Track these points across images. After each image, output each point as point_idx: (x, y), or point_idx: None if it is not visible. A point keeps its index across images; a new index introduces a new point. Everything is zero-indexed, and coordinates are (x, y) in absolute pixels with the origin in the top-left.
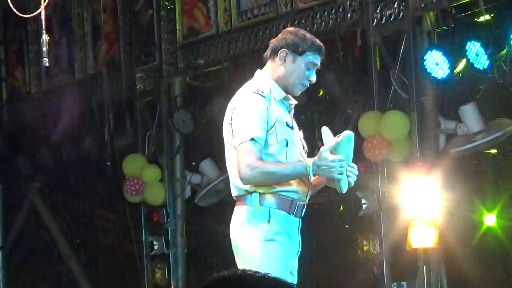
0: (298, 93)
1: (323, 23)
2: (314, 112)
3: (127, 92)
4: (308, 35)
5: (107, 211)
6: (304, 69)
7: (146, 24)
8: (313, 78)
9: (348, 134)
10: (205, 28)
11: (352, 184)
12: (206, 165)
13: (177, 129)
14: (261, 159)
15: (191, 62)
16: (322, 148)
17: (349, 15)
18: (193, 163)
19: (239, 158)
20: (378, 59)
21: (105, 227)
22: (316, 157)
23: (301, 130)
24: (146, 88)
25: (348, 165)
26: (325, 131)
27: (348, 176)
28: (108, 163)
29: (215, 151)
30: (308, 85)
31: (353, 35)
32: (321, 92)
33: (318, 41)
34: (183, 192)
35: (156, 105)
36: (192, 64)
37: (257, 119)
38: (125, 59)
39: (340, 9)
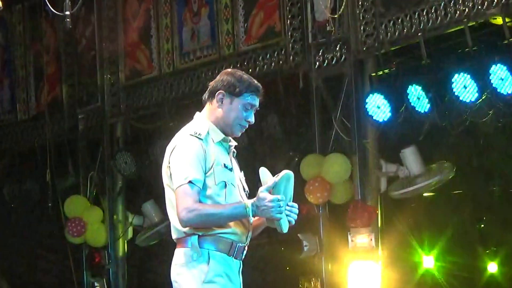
0: (238, 134)
1: (265, 66)
2: (255, 153)
3: (69, 133)
4: (245, 76)
5: (48, 252)
6: (241, 110)
7: (88, 66)
8: (251, 119)
9: (286, 173)
10: (147, 69)
11: (293, 223)
12: (148, 207)
13: (119, 171)
14: (199, 201)
15: (134, 103)
16: (260, 189)
17: (291, 57)
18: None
19: (177, 201)
20: (320, 101)
21: (46, 267)
22: (255, 198)
23: (242, 172)
24: (89, 129)
25: (288, 205)
26: (263, 171)
27: (287, 215)
28: (50, 204)
29: (157, 192)
30: (247, 126)
31: (295, 78)
32: (264, 134)
33: (255, 82)
34: (125, 234)
35: (98, 146)
36: (135, 106)
37: (194, 161)
38: (67, 100)
39: (283, 52)
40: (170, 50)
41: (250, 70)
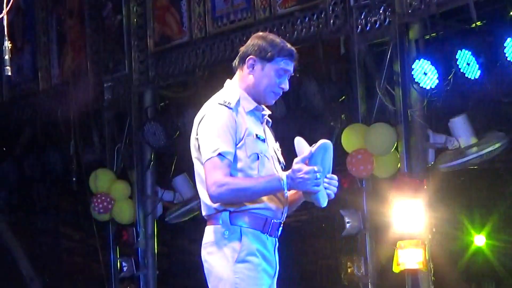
0: (271, 101)
1: (304, 30)
2: (294, 124)
3: (94, 103)
4: (278, 40)
5: (73, 230)
6: (274, 76)
7: (115, 31)
8: (286, 86)
9: (324, 143)
10: (177, 35)
11: (332, 197)
12: (180, 182)
13: (147, 143)
14: (230, 175)
15: (163, 71)
16: (295, 160)
17: (331, 21)
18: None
19: (207, 175)
20: (362, 68)
21: (70, 247)
22: (290, 170)
23: (277, 143)
24: (115, 99)
25: (326, 177)
26: (299, 141)
27: (326, 188)
28: (74, 179)
29: (189, 166)
30: (281, 93)
31: (336, 43)
32: (302, 103)
33: (288, 45)
34: (154, 210)
35: (126, 117)
36: (164, 73)
37: (223, 132)
38: (92, 67)
39: (322, 15)
40: (202, 13)
41: (288, 35)
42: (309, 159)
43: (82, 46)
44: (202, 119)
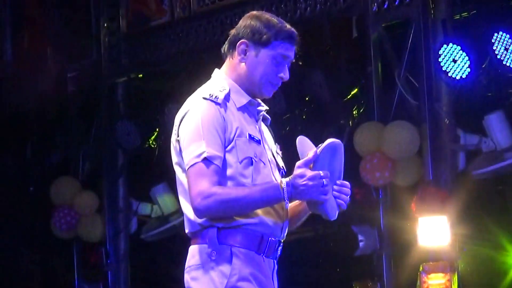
0: (269, 94)
1: (308, 8)
2: (296, 122)
3: (56, 96)
4: (275, 19)
5: (30, 250)
6: (271, 63)
7: (80, 9)
8: (285, 74)
9: (331, 142)
10: (156, 14)
11: (343, 208)
12: (159, 192)
13: (120, 145)
14: (218, 183)
15: (139, 58)
16: (297, 163)
17: None
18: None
19: (190, 184)
20: (379, 55)
21: (28, 270)
22: (291, 176)
23: (277, 145)
24: (81, 91)
25: (336, 183)
26: (302, 141)
27: (335, 197)
28: (32, 188)
29: (171, 173)
30: (280, 84)
31: (347, 24)
32: (307, 97)
33: (288, 26)
34: (128, 226)
35: (94, 113)
36: (140, 61)
37: (209, 132)
38: (53, 53)
39: None
40: None
41: (289, 14)
42: (314, 163)
43: (41, 27)
44: (183, 117)
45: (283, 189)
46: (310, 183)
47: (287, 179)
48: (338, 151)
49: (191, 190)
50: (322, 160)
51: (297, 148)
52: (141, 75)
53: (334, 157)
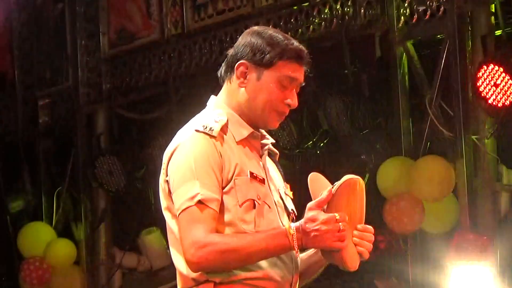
0: (275, 125)
1: (323, 23)
2: (309, 158)
3: (24, 127)
4: (279, 36)
5: None
6: (276, 88)
7: (53, 25)
8: (293, 100)
9: (349, 179)
10: (143, 30)
11: (366, 256)
12: (148, 240)
13: (100, 185)
14: (214, 231)
15: (122, 82)
16: (308, 205)
17: (362, 11)
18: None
19: (182, 232)
20: (406, 77)
21: None
22: (301, 220)
23: (287, 185)
24: (55, 122)
25: (357, 228)
26: (314, 178)
27: (356, 244)
28: None
29: (162, 217)
30: (287, 112)
31: (369, 42)
32: (322, 128)
33: (295, 42)
34: (110, 281)
35: (69, 148)
36: (124, 86)
37: (203, 171)
38: (21, 78)
39: (349, 2)
40: (178, 1)
41: (300, 31)
42: (329, 204)
43: (7, 46)
44: (172, 153)
45: (291, 235)
46: (324, 228)
47: (297, 224)
48: (358, 189)
49: (183, 239)
50: (339, 201)
51: (309, 187)
52: (125, 103)
53: (353, 197)
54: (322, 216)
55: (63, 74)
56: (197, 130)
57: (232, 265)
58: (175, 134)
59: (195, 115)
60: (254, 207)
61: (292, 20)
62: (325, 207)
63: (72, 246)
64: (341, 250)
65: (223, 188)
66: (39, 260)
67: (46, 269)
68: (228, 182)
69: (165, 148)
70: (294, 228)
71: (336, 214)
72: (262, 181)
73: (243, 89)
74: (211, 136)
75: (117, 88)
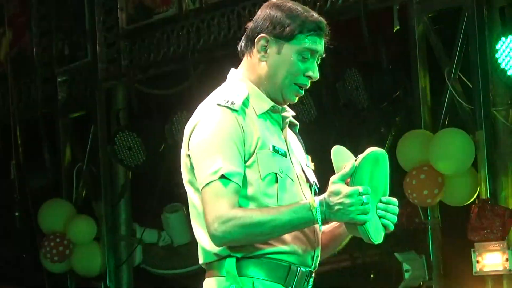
0: (294, 98)
1: None
2: (329, 131)
3: (44, 104)
4: (299, 8)
5: (18, 285)
6: (296, 60)
7: (72, 2)
8: (314, 73)
9: (373, 152)
10: (162, 5)
11: (391, 228)
12: (170, 215)
13: (120, 161)
14: (238, 205)
15: (141, 58)
16: (331, 178)
17: None
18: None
19: (205, 207)
20: (425, 50)
21: None
22: (324, 194)
23: (308, 157)
24: (74, 99)
25: (381, 200)
26: (338, 152)
27: (381, 216)
28: (17, 214)
29: (182, 193)
30: (308, 85)
31: (387, 15)
32: (341, 102)
33: (315, 14)
34: (131, 257)
35: (89, 124)
36: (143, 61)
37: (226, 145)
38: (40, 54)
39: None
40: None
41: (318, 4)
42: (352, 177)
43: (26, 24)
44: (194, 127)
45: (315, 209)
46: (347, 201)
47: (320, 197)
48: (382, 162)
49: (206, 214)
50: (362, 174)
51: (332, 160)
52: (144, 78)
53: (376, 170)
54: (346, 189)
55: (82, 51)
56: (218, 104)
57: (256, 239)
58: (195, 108)
59: (215, 89)
60: (277, 180)
61: None
62: (348, 180)
63: (92, 222)
64: (365, 223)
65: (245, 162)
66: (60, 236)
67: (67, 245)
68: (251, 156)
69: (186, 123)
70: (318, 202)
71: (360, 187)
72: (284, 154)
73: (263, 62)
74: (233, 110)
75: (135, 63)
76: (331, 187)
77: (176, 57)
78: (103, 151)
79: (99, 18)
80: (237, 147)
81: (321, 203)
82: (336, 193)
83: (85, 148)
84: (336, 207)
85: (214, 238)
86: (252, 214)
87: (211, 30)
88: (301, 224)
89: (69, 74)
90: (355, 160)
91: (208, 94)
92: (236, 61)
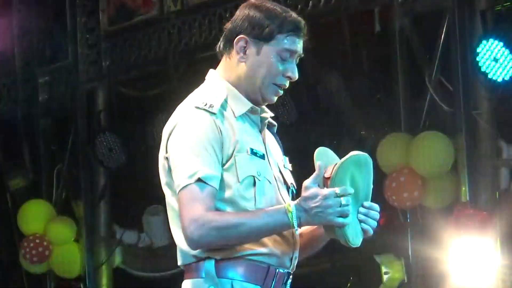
0: (273, 98)
1: (322, 0)
2: (309, 134)
3: (24, 106)
4: (277, 8)
5: None
6: (276, 61)
7: (53, 3)
8: (293, 73)
9: (355, 155)
10: (143, 7)
11: (370, 233)
12: (151, 218)
13: (101, 162)
14: (214, 209)
15: (122, 59)
16: (305, 182)
17: None
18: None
19: (182, 210)
20: (406, 53)
21: None
22: (299, 198)
23: (286, 158)
24: (54, 100)
25: (363, 205)
26: (321, 153)
27: (362, 221)
28: None
29: (162, 194)
30: (287, 85)
31: (368, 17)
32: (321, 104)
33: (293, 14)
34: (111, 258)
35: (69, 125)
36: (124, 63)
37: (203, 148)
38: (21, 55)
39: None
40: None
41: (299, 6)
42: (332, 180)
43: (7, 23)
44: (172, 130)
45: (291, 213)
46: (325, 203)
47: (295, 202)
48: (364, 166)
49: (182, 217)
50: (342, 176)
51: (315, 161)
52: (125, 80)
53: (358, 173)
54: (322, 192)
55: (63, 52)
56: (197, 107)
57: (231, 243)
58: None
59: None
60: (255, 183)
61: None
62: (329, 182)
63: (72, 223)
64: (344, 225)
65: (223, 165)
66: (39, 237)
67: (46, 246)
68: (229, 158)
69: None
70: (293, 206)
71: (336, 189)
72: (262, 156)
73: (243, 63)
74: (211, 113)
75: (116, 65)
76: (305, 192)
77: (157, 59)
78: (83, 152)
79: (81, 19)
80: (214, 151)
81: (296, 208)
82: (313, 197)
83: (65, 149)
84: (313, 210)
85: (190, 241)
86: (228, 218)
87: (192, 32)
88: (277, 228)
89: (50, 75)
90: (336, 164)
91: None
92: (217, 63)
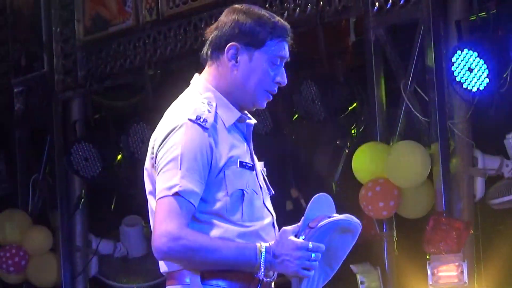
0: (263, 104)
1: (297, 9)
2: (285, 144)
3: (0, 114)
4: (265, 14)
5: None
6: (268, 68)
7: (27, 12)
8: (283, 78)
9: (345, 220)
10: (118, 17)
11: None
12: (129, 228)
13: (77, 172)
14: (188, 225)
15: (98, 69)
16: (283, 228)
17: None
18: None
19: (156, 220)
20: (381, 63)
21: None
22: (273, 243)
23: (261, 163)
24: (30, 110)
25: (333, 267)
26: (318, 201)
27: (324, 279)
28: None
29: (138, 204)
30: (276, 91)
31: (344, 28)
32: (296, 114)
33: (279, 19)
34: (87, 267)
35: (45, 135)
36: (99, 73)
37: (188, 163)
38: None
39: None
40: None
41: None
42: (313, 233)
43: None
44: (164, 141)
45: (262, 254)
46: (295, 253)
47: (267, 244)
48: (350, 232)
49: (156, 226)
50: (322, 235)
51: (308, 206)
52: (100, 89)
53: (341, 237)
54: (295, 242)
55: (39, 61)
56: (191, 120)
57: (195, 265)
58: (152, 120)
59: (171, 101)
60: (243, 196)
61: (266, 6)
62: (309, 233)
63: (48, 233)
64: (305, 277)
65: (215, 175)
66: (15, 247)
67: (22, 256)
68: (218, 172)
69: (142, 134)
70: (265, 248)
71: (310, 243)
72: (251, 168)
73: (235, 71)
74: (205, 129)
75: (92, 75)
76: (281, 237)
77: (132, 69)
78: (59, 162)
79: (56, 29)
80: (200, 168)
81: (267, 251)
82: (285, 244)
83: (41, 158)
84: (282, 258)
85: (158, 251)
86: (201, 241)
87: (167, 42)
88: (244, 265)
89: (25, 85)
90: (322, 221)
91: (164, 106)
92: (192, 73)
